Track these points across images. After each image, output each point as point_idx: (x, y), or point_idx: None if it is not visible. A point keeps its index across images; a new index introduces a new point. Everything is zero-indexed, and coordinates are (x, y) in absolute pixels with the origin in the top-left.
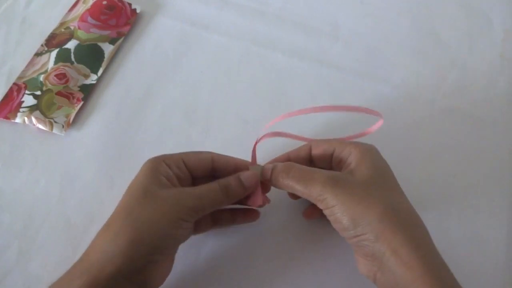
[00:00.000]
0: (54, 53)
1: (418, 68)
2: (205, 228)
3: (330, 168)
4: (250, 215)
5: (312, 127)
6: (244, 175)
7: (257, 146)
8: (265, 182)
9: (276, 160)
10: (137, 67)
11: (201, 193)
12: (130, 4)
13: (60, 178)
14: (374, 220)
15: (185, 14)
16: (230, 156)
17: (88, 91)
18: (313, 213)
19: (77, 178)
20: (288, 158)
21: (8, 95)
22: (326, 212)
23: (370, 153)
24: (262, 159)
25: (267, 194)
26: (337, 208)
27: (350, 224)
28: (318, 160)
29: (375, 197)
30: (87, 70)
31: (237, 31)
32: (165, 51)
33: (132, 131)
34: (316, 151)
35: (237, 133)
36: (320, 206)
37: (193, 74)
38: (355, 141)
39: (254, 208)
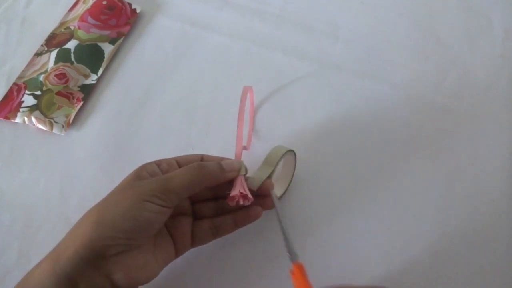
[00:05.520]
0: (54, 53)
1: (418, 68)
2: (203, 239)
3: None
4: (252, 214)
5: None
6: (225, 160)
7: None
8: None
9: None
10: (137, 67)
11: (170, 175)
12: (130, 4)
13: (60, 178)
14: None
15: (185, 14)
16: (219, 156)
17: (88, 91)
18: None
19: (77, 178)
20: None
21: (8, 95)
22: None
23: None
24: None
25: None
26: None
27: None
28: None
29: None
30: (87, 70)
31: (237, 31)
32: (165, 51)
33: (132, 131)
34: None
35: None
36: None
37: (193, 74)
38: None
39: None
